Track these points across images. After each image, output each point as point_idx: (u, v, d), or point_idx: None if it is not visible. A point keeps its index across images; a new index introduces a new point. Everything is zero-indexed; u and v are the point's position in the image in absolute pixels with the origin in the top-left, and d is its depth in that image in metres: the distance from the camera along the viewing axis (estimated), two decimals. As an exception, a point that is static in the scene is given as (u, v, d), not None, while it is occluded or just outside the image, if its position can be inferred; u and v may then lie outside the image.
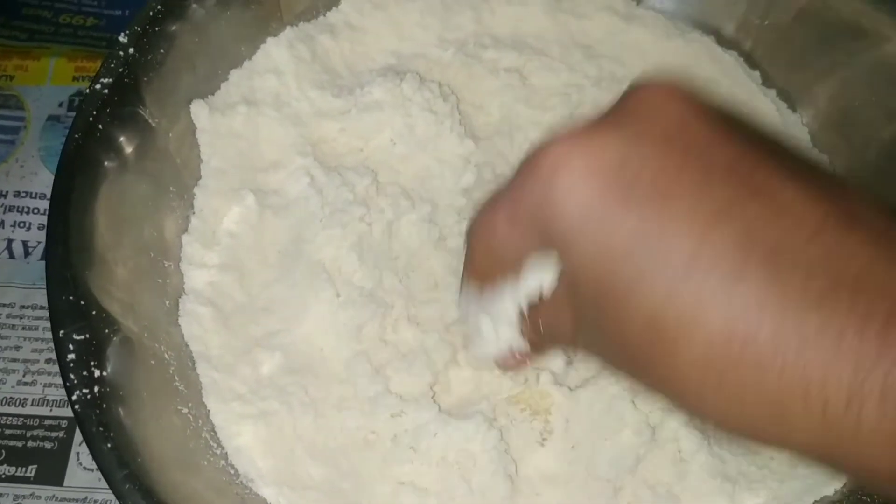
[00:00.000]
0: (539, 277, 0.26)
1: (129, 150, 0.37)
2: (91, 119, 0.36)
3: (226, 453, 0.36)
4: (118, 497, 0.29)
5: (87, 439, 0.30)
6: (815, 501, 0.37)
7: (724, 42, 0.49)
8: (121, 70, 0.37)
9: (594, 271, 0.23)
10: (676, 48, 0.48)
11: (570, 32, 0.48)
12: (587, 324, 0.25)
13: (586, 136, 0.23)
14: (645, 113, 0.24)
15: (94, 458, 0.30)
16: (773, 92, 0.48)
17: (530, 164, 0.24)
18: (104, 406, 0.31)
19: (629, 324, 0.23)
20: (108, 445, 0.30)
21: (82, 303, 0.32)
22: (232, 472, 0.35)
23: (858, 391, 0.20)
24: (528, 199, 0.25)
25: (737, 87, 0.48)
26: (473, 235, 0.28)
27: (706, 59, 0.48)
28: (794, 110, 0.47)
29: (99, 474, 0.44)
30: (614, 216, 0.23)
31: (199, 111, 0.41)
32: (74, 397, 0.31)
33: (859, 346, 0.20)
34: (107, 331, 0.33)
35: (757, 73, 0.48)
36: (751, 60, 0.48)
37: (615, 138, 0.23)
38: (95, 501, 0.44)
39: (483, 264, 0.28)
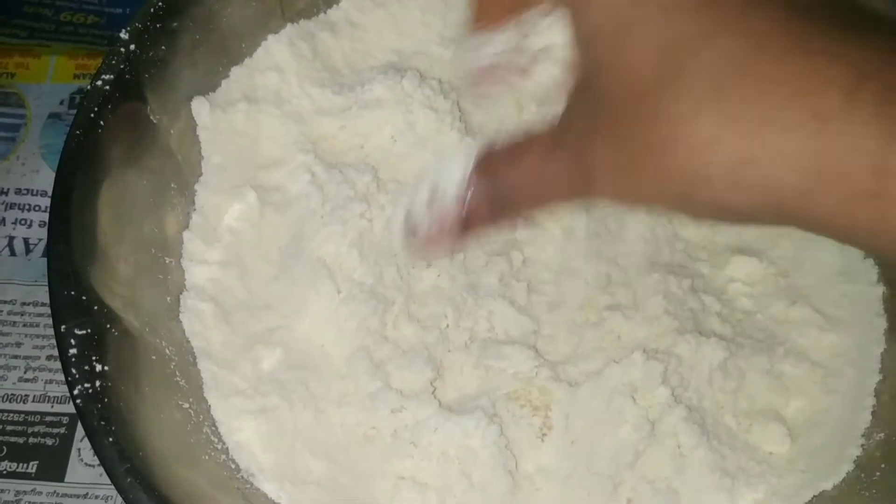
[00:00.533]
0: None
1: (130, 146, 0.37)
2: (92, 115, 0.36)
3: (227, 448, 0.36)
4: (120, 491, 0.29)
5: (89, 433, 0.30)
6: (814, 496, 0.38)
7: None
8: (122, 67, 0.37)
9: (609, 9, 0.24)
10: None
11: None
12: (579, 96, 0.26)
13: None
14: None
15: (96, 452, 0.30)
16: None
17: None
18: (105, 400, 0.31)
19: (638, 57, 0.23)
20: (110, 439, 0.30)
21: (84, 298, 0.32)
22: (233, 466, 0.36)
23: (853, 95, 0.21)
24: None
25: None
26: None
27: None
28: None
29: (100, 470, 0.44)
30: (639, 45, 0.24)
31: (200, 108, 0.41)
32: (76, 392, 0.31)
33: (860, 61, 0.21)
34: (108, 326, 0.33)
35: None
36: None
37: None
38: (97, 497, 0.44)
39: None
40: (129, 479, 0.29)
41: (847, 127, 0.21)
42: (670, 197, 0.24)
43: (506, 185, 0.27)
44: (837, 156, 0.21)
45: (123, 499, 0.29)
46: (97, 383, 0.31)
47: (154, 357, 0.35)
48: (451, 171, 0.26)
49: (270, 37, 0.44)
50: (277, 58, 0.44)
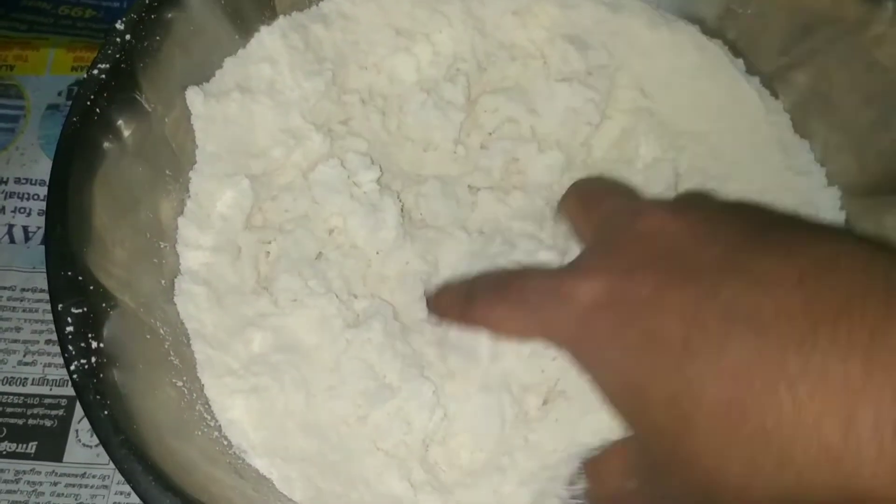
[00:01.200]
0: None
1: (126, 133, 0.38)
2: (89, 103, 0.37)
3: (219, 425, 0.37)
4: (115, 462, 0.30)
5: (85, 407, 0.31)
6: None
7: (708, 31, 0.50)
8: (118, 56, 0.38)
9: (618, 383, 0.27)
10: (662, 37, 0.49)
11: (557, 22, 0.49)
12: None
13: (594, 273, 0.28)
14: (645, 237, 0.28)
15: (92, 425, 0.31)
16: (756, 79, 0.49)
17: (554, 287, 0.30)
18: (101, 375, 0.32)
19: (652, 415, 0.25)
20: (105, 413, 0.31)
21: (80, 278, 0.33)
22: (225, 443, 0.37)
23: (852, 421, 0.21)
24: (552, 319, 0.30)
25: (721, 74, 0.49)
26: (502, 302, 0.33)
27: (691, 48, 0.49)
28: (777, 97, 0.48)
29: (97, 451, 0.45)
30: (622, 329, 0.27)
31: (195, 97, 0.42)
32: (73, 367, 0.32)
33: (845, 377, 0.21)
34: (104, 305, 0.34)
35: (741, 61, 0.49)
36: (735, 49, 0.49)
37: (618, 269, 0.28)
38: (94, 476, 0.45)
39: (497, 323, 0.33)
40: (123, 451, 0.30)
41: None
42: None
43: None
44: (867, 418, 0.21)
45: (118, 469, 0.30)
46: (93, 359, 0.32)
47: (149, 336, 0.36)
48: None
49: (263, 28, 0.45)
50: (270, 49, 0.45)
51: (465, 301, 0.34)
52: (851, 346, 0.21)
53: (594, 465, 0.32)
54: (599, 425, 0.37)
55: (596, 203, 0.33)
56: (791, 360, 0.22)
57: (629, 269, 0.27)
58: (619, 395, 0.27)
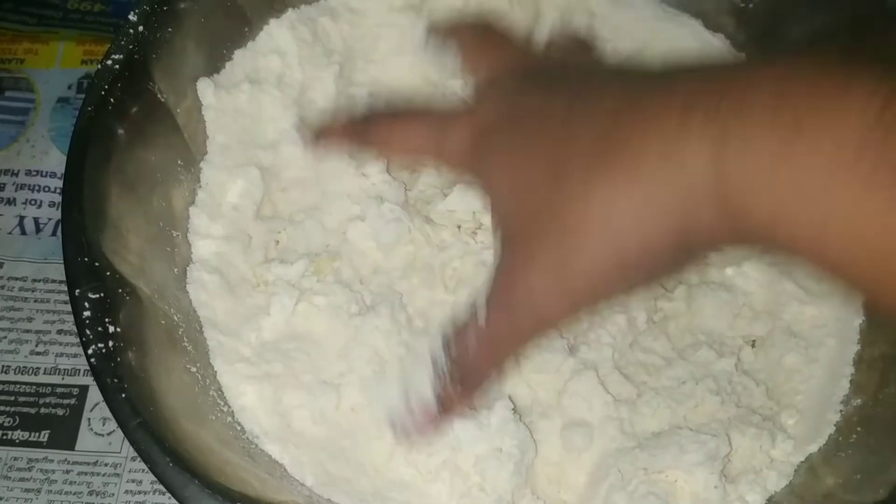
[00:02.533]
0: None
1: (139, 123, 0.39)
2: (103, 93, 0.38)
3: (232, 411, 0.37)
4: (132, 444, 0.31)
5: (103, 390, 0.32)
6: (801, 462, 0.39)
7: (711, 25, 0.50)
8: (131, 47, 0.39)
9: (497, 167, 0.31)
10: (664, 31, 0.50)
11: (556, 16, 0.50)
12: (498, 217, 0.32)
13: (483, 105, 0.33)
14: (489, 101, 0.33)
15: (110, 407, 0.31)
16: (758, 73, 0.49)
17: (443, 114, 0.36)
18: (118, 359, 0.32)
19: (527, 175, 0.30)
20: (123, 395, 0.31)
21: (97, 264, 0.34)
22: (238, 428, 0.37)
23: (683, 126, 0.25)
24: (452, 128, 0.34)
25: (723, 68, 0.49)
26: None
27: (693, 42, 0.50)
28: (779, 90, 0.49)
29: (109, 439, 0.46)
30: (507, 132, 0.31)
31: (205, 88, 0.43)
32: (90, 351, 0.32)
33: (684, 102, 0.25)
34: (120, 291, 0.34)
35: (743, 56, 0.50)
36: (737, 43, 0.50)
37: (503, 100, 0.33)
38: (105, 465, 0.46)
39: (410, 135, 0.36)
40: (140, 433, 0.31)
41: (684, 151, 0.24)
42: (607, 276, 0.28)
43: (468, 364, 0.31)
44: (689, 184, 0.24)
45: (136, 451, 0.31)
46: (110, 343, 0.33)
47: (163, 322, 0.36)
48: (418, 376, 0.32)
49: (273, 21, 0.46)
50: (279, 41, 0.46)
51: (363, 123, 0.37)
52: (671, 100, 0.25)
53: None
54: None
55: (491, 50, 0.37)
56: (637, 106, 0.27)
57: (514, 101, 0.32)
58: (498, 176, 0.31)
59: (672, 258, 0.27)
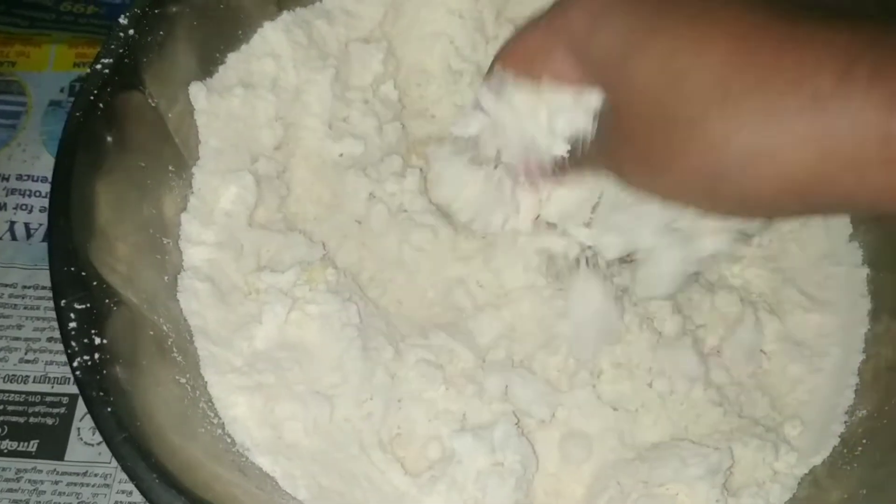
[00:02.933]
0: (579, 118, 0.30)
1: (129, 128, 0.38)
2: (92, 98, 0.37)
3: (222, 423, 0.37)
4: (117, 459, 0.30)
5: (88, 404, 0.31)
6: (805, 474, 0.39)
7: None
8: (121, 51, 0.38)
9: (617, 44, 0.27)
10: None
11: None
12: (610, 113, 0.29)
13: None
14: None
15: (95, 421, 0.31)
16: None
17: (563, 15, 0.29)
18: (104, 372, 0.32)
19: (652, 75, 0.25)
20: (108, 409, 0.31)
21: (83, 274, 0.33)
22: (228, 440, 0.36)
23: (847, 72, 0.22)
24: (572, 42, 0.29)
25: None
26: (522, 44, 0.32)
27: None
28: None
29: (99, 449, 0.45)
30: (644, 58, 0.26)
31: (198, 93, 0.42)
32: (76, 364, 0.32)
33: (849, 39, 0.22)
34: (107, 301, 0.34)
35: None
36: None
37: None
38: (95, 475, 0.45)
39: (524, 64, 0.32)
40: (126, 448, 0.30)
41: (844, 104, 0.22)
42: (698, 194, 0.26)
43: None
44: (842, 134, 0.22)
45: (121, 467, 0.30)
46: (96, 356, 0.32)
47: (152, 333, 0.36)
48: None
49: (267, 24, 0.45)
50: (273, 44, 0.45)
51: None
52: (858, 26, 0.23)
53: None
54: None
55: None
56: (799, 24, 0.23)
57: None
58: (615, 61, 0.27)
59: (775, 206, 0.25)
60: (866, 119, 0.22)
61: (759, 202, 0.25)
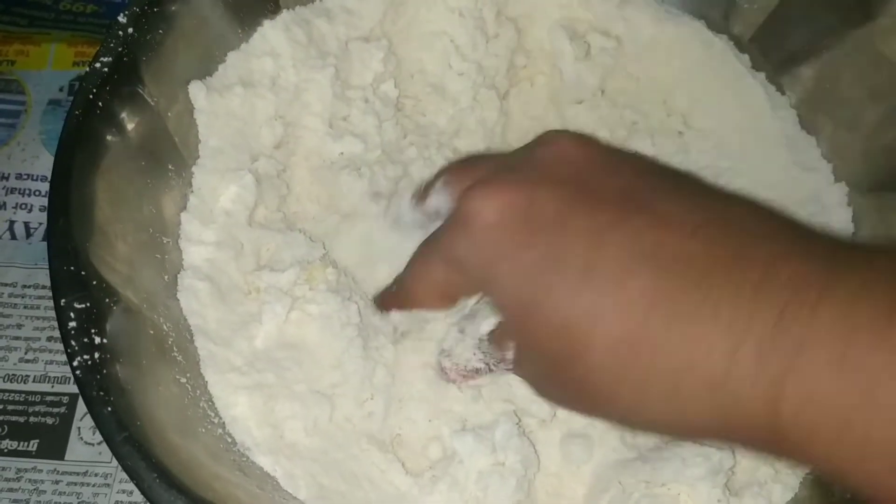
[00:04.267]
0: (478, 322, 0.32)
1: (128, 127, 0.38)
2: (91, 97, 0.37)
3: (223, 422, 0.37)
4: (118, 458, 0.30)
5: (88, 403, 0.31)
6: (806, 473, 0.38)
7: (713, 26, 0.49)
8: (120, 49, 0.38)
9: (513, 298, 0.27)
10: (667, 33, 0.49)
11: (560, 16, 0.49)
12: (518, 350, 0.29)
13: (496, 189, 0.28)
14: (547, 161, 0.28)
15: (95, 421, 0.31)
16: (762, 75, 0.48)
17: (455, 215, 0.29)
18: (104, 371, 0.32)
19: (545, 335, 0.26)
20: (108, 409, 0.31)
21: (83, 273, 0.33)
22: (229, 440, 0.36)
23: (733, 356, 0.22)
24: (456, 247, 0.29)
25: (727, 70, 0.49)
26: (414, 272, 0.33)
27: (696, 43, 0.49)
28: (783, 93, 0.48)
29: (99, 449, 0.45)
30: (524, 247, 0.26)
31: (197, 92, 0.42)
32: (75, 363, 0.31)
33: (732, 314, 0.22)
34: (107, 300, 0.34)
35: (746, 57, 0.49)
36: (740, 44, 0.49)
37: (522, 186, 0.27)
38: (96, 475, 0.45)
39: (423, 296, 0.33)
40: (126, 448, 0.30)
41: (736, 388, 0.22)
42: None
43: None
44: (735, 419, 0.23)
45: (122, 467, 0.30)
46: (96, 355, 0.32)
47: (152, 332, 0.36)
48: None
49: (266, 22, 0.45)
50: (273, 43, 0.45)
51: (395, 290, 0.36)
52: (742, 284, 0.22)
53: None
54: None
55: (481, 162, 0.33)
56: (686, 300, 0.23)
57: (532, 188, 0.27)
58: (514, 314, 0.27)
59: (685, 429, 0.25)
60: (754, 408, 0.22)
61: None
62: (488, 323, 0.32)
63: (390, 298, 0.36)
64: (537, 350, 0.27)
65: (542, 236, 0.26)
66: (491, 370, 0.33)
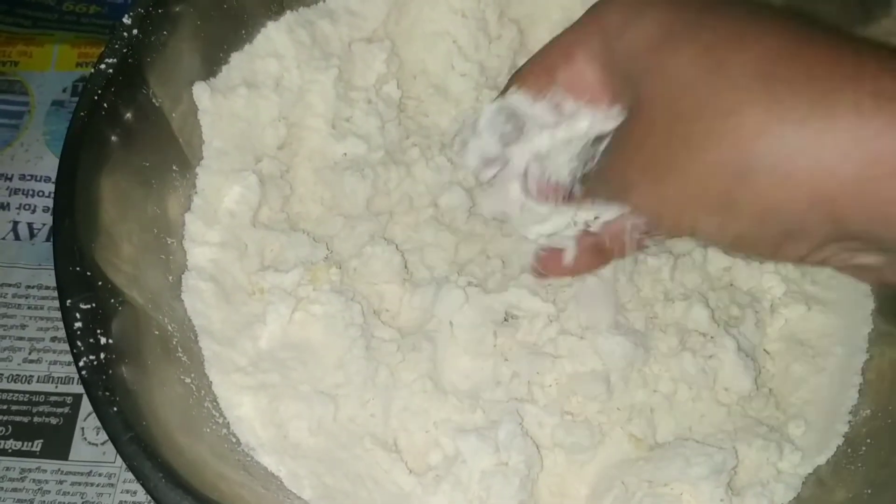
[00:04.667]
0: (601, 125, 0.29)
1: (133, 128, 0.38)
2: (96, 98, 0.37)
3: (227, 423, 0.37)
4: (124, 458, 0.30)
5: (94, 403, 0.31)
6: (809, 474, 0.39)
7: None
8: (124, 51, 0.38)
9: (670, 92, 0.24)
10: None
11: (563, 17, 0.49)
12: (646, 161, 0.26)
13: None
14: None
15: (101, 421, 0.31)
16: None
17: (597, 14, 0.28)
18: (110, 372, 0.32)
19: (702, 138, 0.23)
20: (114, 409, 0.31)
21: (88, 274, 0.33)
22: (234, 440, 0.36)
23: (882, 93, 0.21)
24: (603, 39, 0.27)
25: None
26: (543, 57, 0.30)
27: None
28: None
29: (103, 449, 0.45)
30: (682, 47, 0.24)
31: (201, 93, 0.42)
32: (81, 363, 0.32)
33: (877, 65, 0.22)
34: (112, 301, 0.34)
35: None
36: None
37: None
38: (100, 475, 0.45)
39: (543, 77, 0.30)
40: (132, 447, 0.30)
41: (888, 117, 0.20)
42: (712, 200, 0.23)
43: None
44: (890, 142, 0.20)
45: (128, 466, 0.30)
46: (101, 356, 0.32)
47: (157, 332, 0.36)
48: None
49: (270, 24, 0.45)
50: (277, 44, 0.45)
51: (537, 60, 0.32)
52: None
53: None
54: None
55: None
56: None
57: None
58: (637, 73, 0.26)
59: (796, 220, 0.22)
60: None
61: (781, 216, 0.23)
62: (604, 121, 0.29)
63: (531, 67, 0.32)
64: (667, 84, 0.24)
65: (699, 36, 0.24)
66: (571, 194, 0.31)
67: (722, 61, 0.23)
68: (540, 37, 0.49)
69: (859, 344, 0.42)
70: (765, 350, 0.42)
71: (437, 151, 0.45)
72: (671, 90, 0.24)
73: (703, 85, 0.23)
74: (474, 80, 0.47)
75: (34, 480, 0.45)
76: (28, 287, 0.49)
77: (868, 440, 0.38)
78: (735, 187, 0.23)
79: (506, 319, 0.41)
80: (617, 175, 0.27)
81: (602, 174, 0.29)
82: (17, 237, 0.51)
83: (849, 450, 0.38)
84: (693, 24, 0.24)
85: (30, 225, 0.51)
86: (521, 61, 0.48)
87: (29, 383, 0.47)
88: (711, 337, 0.41)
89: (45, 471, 0.45)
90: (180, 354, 0.37)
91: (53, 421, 0.46)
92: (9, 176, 0.52)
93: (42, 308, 0.49)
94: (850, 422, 0.40)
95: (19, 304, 0.49)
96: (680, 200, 0.25)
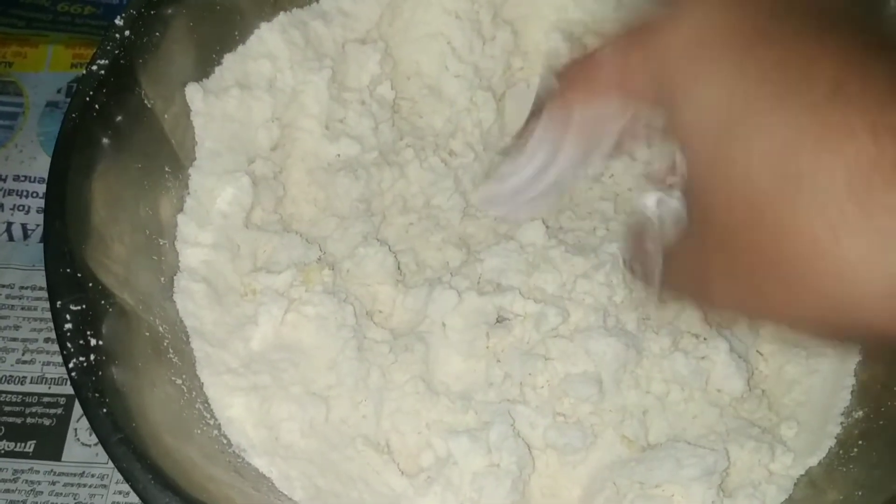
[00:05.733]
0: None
1: (124, 130, 0.38)
2: (87, 99, 0.37)
3: (218, 424, 0.37)
4: (113, 460, 0.30)
5: (84, 405, 0.31)
6: (801, 475, 0.38)
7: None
8: (117, 52, 0.38)
9: (714, 116, 0.22)
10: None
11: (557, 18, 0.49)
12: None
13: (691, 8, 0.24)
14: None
15: (90, 422, 0.31)
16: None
17: (642, 29, 0.26)
18: (100, 373, 0.32)
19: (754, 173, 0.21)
20: (104, 410, 0.31)
21: (79, 275, 0.33)
22: (224, 441, 0.36)
23: None
24: (647, 50, 0.26)
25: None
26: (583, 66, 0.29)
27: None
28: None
29: (96, 450, 0.45)
30: (730, 71, 0.22)
31: (194, 94, 0.42)
32: (71, 365, 0.32)
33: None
34: (103, 302, 0.34)
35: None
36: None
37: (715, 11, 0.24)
38: (92, 476, 0.45)
39: (586, 89, 0.29)
40: (121, 449, 0.30)
41: None
42: (806, 319, 0.22)
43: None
44: None
45: (117, 468, 0.30)
46: (91, 357, 0.32)
47: (148, 334, 0.36)
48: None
49: (263, 25, 0.45)
50: (270, 45, 0.45)
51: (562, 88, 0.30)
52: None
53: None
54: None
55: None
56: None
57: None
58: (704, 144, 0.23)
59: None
60: None
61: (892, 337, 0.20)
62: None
63: (575, 67, 0.30)
64: (726, 186, 0.22)
65: (752, 63, 0.22)
66: None
67: (798, 173, 0.20)
68: (534, 37, 0.49)
69: (852, 346, 0.42)
70: (758, 351, 0.42)
71: (430, 152, 0.46)
72: (744, 201, 0.21)
73: (782, 200, 0.20)
74: (468, 82, 0.47)
75: (27, 481, 0.45)
76: (22, 288, 0.49)
77: (860, 442, 0.38)
78: (837, 314, 0.21)
79: (498, 321, 0.41)
80: (695, 268, 0.25)
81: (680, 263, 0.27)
82: (10, 238, 0.51)
83: (841, 451, 0.38)
84: (759, 115, 0.21)
85: (24, 226, 0.51)
86: (515, 62, 0.48)
87: (22, 384, 0.47)
88: (704, 338, 0.41)
89: (37, 472, 0.45)
90: (171, 356, 0.37)
91: (46, 422, 0.46)
92: (3, 177, 0.52)
93: (35, 309, 0.49)
94: (842, 423, 0.39)
95: (13, 305, 0.49)
96: (768, 313, 0.23)
